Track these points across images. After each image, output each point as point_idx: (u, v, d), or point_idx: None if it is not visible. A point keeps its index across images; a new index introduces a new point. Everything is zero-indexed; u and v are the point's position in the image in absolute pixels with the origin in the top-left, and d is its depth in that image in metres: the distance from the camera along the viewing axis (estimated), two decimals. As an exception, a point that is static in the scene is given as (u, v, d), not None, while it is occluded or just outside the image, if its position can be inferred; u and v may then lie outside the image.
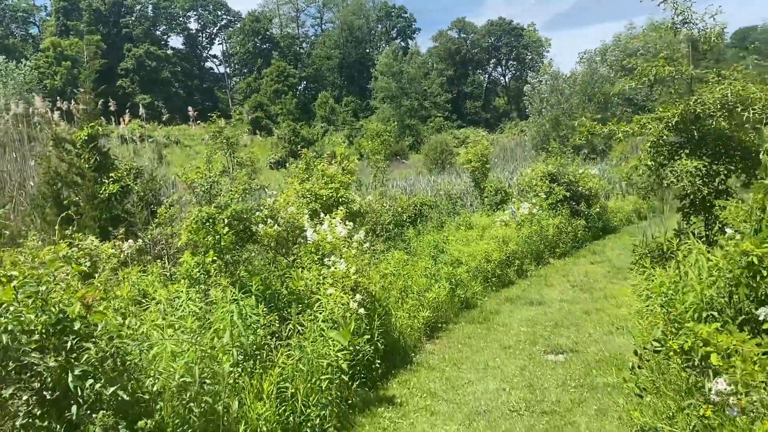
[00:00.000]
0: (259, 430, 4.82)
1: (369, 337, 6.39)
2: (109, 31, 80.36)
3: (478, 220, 15.18)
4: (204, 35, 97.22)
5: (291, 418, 5.09)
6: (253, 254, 7.79)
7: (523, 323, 9.00)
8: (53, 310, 3.91)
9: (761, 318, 4.10)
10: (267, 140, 66.38)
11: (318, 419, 5.23)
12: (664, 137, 6.87)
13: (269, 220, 7.45)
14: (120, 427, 3.84)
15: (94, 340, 4.01)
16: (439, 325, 8.82)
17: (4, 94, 27.17)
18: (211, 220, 6.22)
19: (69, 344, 3.89)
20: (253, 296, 5.83)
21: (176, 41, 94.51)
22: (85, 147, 9.74)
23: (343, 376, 5.56)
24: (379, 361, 6.49)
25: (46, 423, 3.75)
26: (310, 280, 6.62)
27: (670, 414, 4.59)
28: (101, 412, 3.79)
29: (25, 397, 3.76)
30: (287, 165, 16.36)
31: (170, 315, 5.31)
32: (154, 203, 10.30)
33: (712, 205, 6.86)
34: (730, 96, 6.67)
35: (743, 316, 4.41)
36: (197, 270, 6.23)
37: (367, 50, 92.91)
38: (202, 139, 47.42)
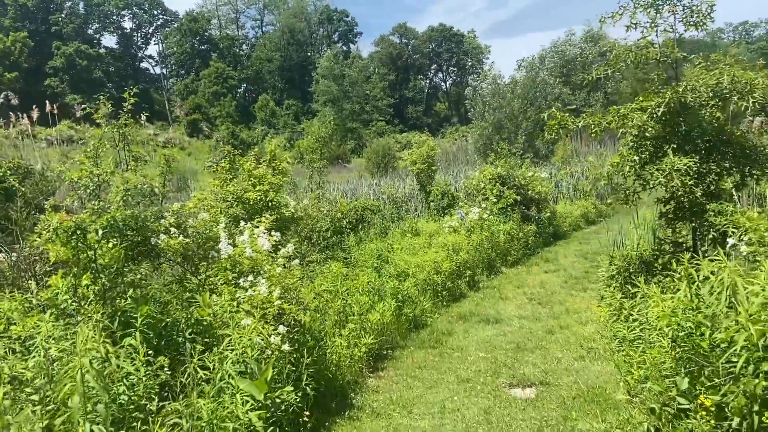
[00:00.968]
0: None
1: (295, 381, 5.00)
2: (37, 28, 75.89)
3: (424, 225, 14.00)
4: (139, 35, 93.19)
5: None
6: (153, 272, 6.27)
7: (481, 347, 7.79)
8: None
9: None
10: (205, 143, 63.97)
11: None
12: (649, 130, 5.79)
13: (173, 230, 5.96)
14: None
15: None
16: (385, 353, 7.49)
17: None
18: (80, 232, 4.68)
19: None
20: (137, 332, 4.35)
21: (110, 40, 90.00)
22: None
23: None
24: (308, 413, 5.08)
25: None
26: (222, 307, 5.18)
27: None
28: None
29: None
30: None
31: (12, 362, 3.78)
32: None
33: (704, 210, 5.83)
34: (726, 83, 5.66)
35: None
36: (66, 297, 4.69)
37: (309, 53, 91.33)
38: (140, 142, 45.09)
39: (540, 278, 12.21)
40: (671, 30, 6.44)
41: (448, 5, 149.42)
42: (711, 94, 5.78)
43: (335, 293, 7.76)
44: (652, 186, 5.83)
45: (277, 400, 4.61)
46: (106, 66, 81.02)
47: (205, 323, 5.06)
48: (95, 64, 78.15)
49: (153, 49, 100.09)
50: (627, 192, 6.00)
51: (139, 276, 5.67)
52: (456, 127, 69.82)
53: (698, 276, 4.69)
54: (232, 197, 9.00)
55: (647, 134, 5.88)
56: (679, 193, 5.70)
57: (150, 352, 4.26)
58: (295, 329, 5.41)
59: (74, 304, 4.70)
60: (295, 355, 5.15)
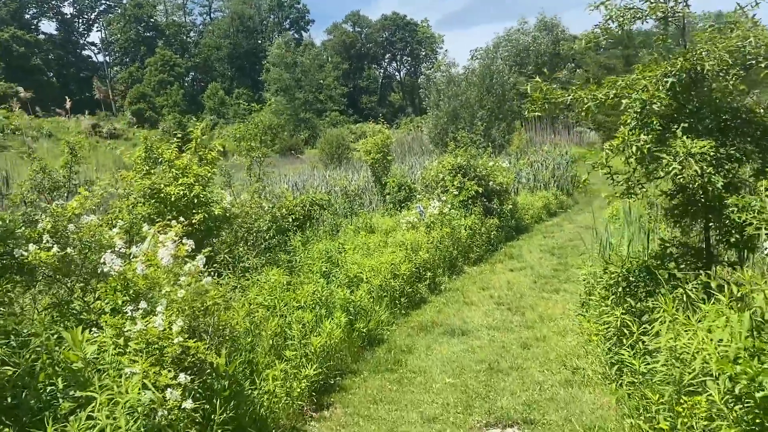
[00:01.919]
0: None
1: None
2: (-34, 12, 71.42)
3: (380, 221, 12.71)
4: (81, 21, 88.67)
5: None
6: (26, 293, 4.78)
7: (447, 368, 6.55)
8: None
9: None
10: (151, 133, 61.16)
11: None
12: (657, 104, 4.62)
13: (46, 237, 4.49)
14: None
15: None
16: (332, 382, 6.12)
17: None
18: None
19: None
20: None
21: (49, 26, 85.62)
22: None
23: None
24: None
25: None
26: (101, 347, 3.78)
27: None
28: None
29: None
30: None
31: None
32: None
33: (723, 205, 4.70)
34: (752, 46, 4.54)
35: None
36: None
37: (259, 41, 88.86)
38: (78, 133, 42.55)
39: (506, 278, 11.10)
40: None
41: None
42: (731, 62, 4.65)
43: (273, 308, 6.40)
44: (662, 175, 4.67)
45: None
46: (45, 53, 77.21)
47: (76, 370, 3.65)
48: (33, 50, 74.27)
49: (95, 36, 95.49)
50: (630, 183, 4.81)
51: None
52: (411, 118, 68.73)
53: (736, 292, 3.56)
54: (148, 193, 7.52)
55: (654, 109, 4.70)
56: (696, 183, 4.57)
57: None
58: (207, 372, 4.04)
59: None
60: (203, 411, 3.78)
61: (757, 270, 4.71)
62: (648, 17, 4.96)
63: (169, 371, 3.59)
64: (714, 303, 3.75)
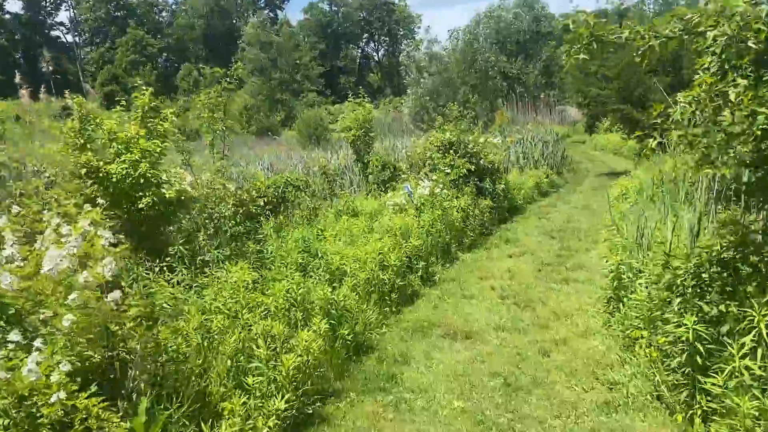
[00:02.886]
0: None
1: None
2: (-73, -10, 68.11)
3: (363, 203, 11.36)
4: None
5: None
6: None
7: (454, 386, 5.29)
8: None
9: None
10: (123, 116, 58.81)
11: None
12: (751, 42, 3.36)
13: None
14: None
15: None
16: (310, 411, 4.80)
17: None
18: None
19: None
20: None
21: (14, 5, 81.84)
22: None
23: None
24: None
25: None
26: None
27: None
28: None
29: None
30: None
31: None
32: None
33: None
34: None
35: None
36: None
37: (234, 21, 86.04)
38: (52, 116, 40.45)
39: (506, 265, 9.89)
40: None
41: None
42: None
43: (234, 316, 5.07)
44: (752, 138, 3.40)
45: None
46: (11, 33, 74.22)
47: None
48: (-1, 30, 71.50)
49: (64, 16, 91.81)
50: (708, 147, 3.53)
51: None
52: (390, 98, 67.10)
53: None
54: (83, 173, 6.12)
55: (743, 50, 3.44)
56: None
57: None
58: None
59: None
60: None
61: None
62: None
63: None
64: None
